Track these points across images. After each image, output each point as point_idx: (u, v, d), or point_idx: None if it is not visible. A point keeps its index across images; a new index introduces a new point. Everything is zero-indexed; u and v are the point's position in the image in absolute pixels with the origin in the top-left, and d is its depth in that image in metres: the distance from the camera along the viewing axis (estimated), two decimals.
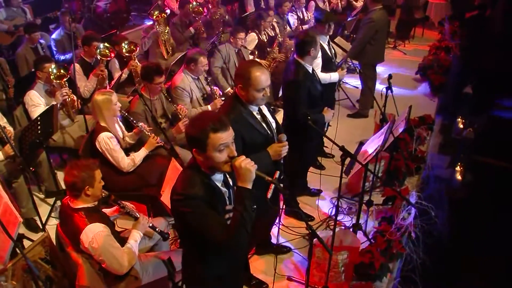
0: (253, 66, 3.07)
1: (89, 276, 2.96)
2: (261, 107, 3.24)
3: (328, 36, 5.15)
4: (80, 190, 3.00)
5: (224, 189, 2.47)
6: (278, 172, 2.68)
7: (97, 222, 2.98)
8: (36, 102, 4.84)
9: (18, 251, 2.94)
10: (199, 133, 2.27)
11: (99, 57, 5.52)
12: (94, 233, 2.91)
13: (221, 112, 3.20)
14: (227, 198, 2.48)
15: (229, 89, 6.14)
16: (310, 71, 4.26)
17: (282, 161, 3.22)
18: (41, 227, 4.52)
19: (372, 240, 4.21)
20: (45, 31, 7.82)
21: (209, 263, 2.53)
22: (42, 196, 5.04)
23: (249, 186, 2.29)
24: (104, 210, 3.36)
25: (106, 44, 5.61)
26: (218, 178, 2.43)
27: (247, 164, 2.26)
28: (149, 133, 4.35)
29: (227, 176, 2.50)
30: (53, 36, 6.91)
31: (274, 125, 3.36)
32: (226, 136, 2.29)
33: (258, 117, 3.21)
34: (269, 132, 3.25)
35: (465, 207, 5.68)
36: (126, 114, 4.33)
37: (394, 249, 4.10)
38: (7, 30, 7.62)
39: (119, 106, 4.21)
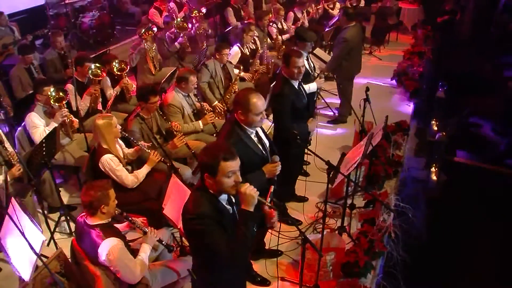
0: (251, 93, 3.43)
1: (106, 286, 3.29)
2: (257, 129, 3.59)
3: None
4: (97, 209, 3.32)
5: (228, 207, 2.85)
6: (272, 187, 3.06)
7: (112, 236, 3.30)
8: (37, 123, 5.09)
9: (44, 266, 3.23)
10: (211, 160, 2.66)
11: (91, 77, 5.81)
12: (110, 247, 3.23)
13: (221, 136, 3.56)
14: (231, 214, 2.86)
15: (216, 102, 6.46)
16: (296, 86, 4.62)
17: (275, 177, 3.60)
18: (46, 242, 4.79)
19: (356, 240, 4.58)
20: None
21: (218, 270, 2.91)
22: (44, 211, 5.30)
23: (252, 209, 2.69)
24: (115, 225, 3.68)
25: (97, 64, 5.88)
26: (223, 197, 2.82)
27: (251, 191, 2.67)
28: (149, 151, 4.66)
29: (231, 195, 2.87)
30: (45, 56, 7.13)
31: (268, 145, 3.72)
32: (235, 165, 2.68)
33: (255, 139, 3.57)
34: (264, 153, 3.61)
35: (440, 205, 6.12)
36: (126, 134, 4.63)
37: (377, 248, 4.47)
38: None
39: (120, 128, 4.52)
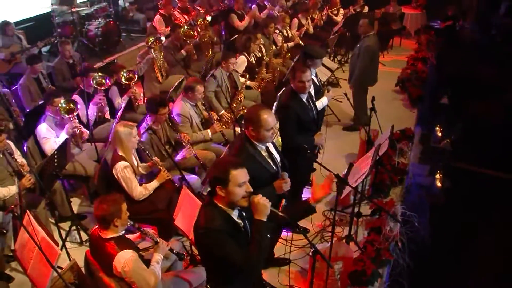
0: (261, 110, 3.48)
1: None
2: (268, 145, 3.65)
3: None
4: (110, 222, 3.38)
5: (239, 221, 2.93)
6: (284, 200, 3.14)
7: (127, 249, 3.37)
8: (48, 135, 5.17)
9: (58, 277, 3.31)
10: (222, 171, 2.76)
11: (95, 86, 5.90)
12: (125, 259, 3.30)
13: (232, 153, 3.63)
14: (243, 228, 2.94)
15: (223, 111, 6.54)
16: (304, 99, 4.67)
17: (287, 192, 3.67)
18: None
19: (363, 249, 4.65)
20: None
21: (233, 282, 2.98)
22: (54, 221, 5.36)
23: (265, 219, 2.78)
24: (127, 236, 3.75)
25: (99, 73, 5.98)
26: (234, 212, 2.90)
27: (264, 201, 2.77)
28: (161, 167, 4.71)
29: (242, 210, 2.96)
30: (53, 64, 7.22)
31: (279, 159, 3.78)
32: (244, 174, 2.79)
33: (266, 154, 3.62)
34: (274, 168, 3.66)
35: (445, 212, 6.18)
36: (143, 147, 4.70)
37: (383, 257, 4.52)
38: (3, 58, 7.86)
39: (138, 139, 4.60)
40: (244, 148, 3.54)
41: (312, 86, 5.00)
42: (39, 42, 8.21)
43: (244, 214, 2.98)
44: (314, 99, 4.94)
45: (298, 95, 4.61)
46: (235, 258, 2.75)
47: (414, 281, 4.75)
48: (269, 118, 3.44)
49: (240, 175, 2.76)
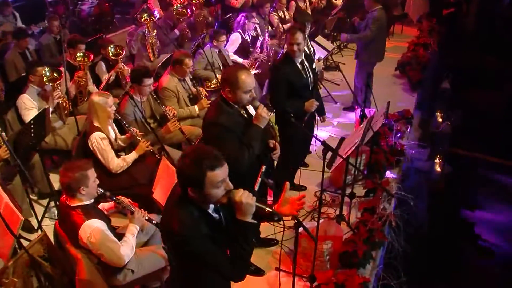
0: (239, 70, 3.26)
1: (89, 270, 3.13)
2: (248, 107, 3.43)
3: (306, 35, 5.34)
4: (76, 190, 3.15)
5: (215, 215, 2.47)
6: (264, 167, 2.89)
7: (94, 218, 3.14)
8: (29, 105, 4.93)
9: (20, 247, 3.09)
10: (195, 172, 2.24)
11: (78, 64, 5.66)
12: (91, 229, 3.08)
13: (209, 116, 3.38)
14: (218, 221, 2.48)
15: (215, 80, 6.31)
16: (298, 63, 4.51)
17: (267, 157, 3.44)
18: (36, 227, 4.64)
19: (355, 230, 4.42)
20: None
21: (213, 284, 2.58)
22: (35, 197, 5.15)
23: (249, 219, 2.33)
24: (101, 204, 3.52)
25: (80, 54, 5.69)
26: (210, 207, 2.45)
27: (247, 198, 2.28)
28: (140, 138, 4.50)
29: None
30: (41, 40, 7.01)
31: None
32: (223, 172, 2.28)
33: (245, 115, 3.42)
34: None
35: (444, 197, 6.00)
36: (120, 117, 4.47)
37: (376, 238, 4.31)
38: None
39: (114, 109, 4.37)
40: (223, 110, 3.30)
41: None
42: (33, 26, 8.03)
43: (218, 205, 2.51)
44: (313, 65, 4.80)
45: (291, 58, 4.48)
46: (219, 268, 2.36)
47: (409, 265, 4.52)
48: (248, 78, 3.22)
49: (218, 176, 2.25)
